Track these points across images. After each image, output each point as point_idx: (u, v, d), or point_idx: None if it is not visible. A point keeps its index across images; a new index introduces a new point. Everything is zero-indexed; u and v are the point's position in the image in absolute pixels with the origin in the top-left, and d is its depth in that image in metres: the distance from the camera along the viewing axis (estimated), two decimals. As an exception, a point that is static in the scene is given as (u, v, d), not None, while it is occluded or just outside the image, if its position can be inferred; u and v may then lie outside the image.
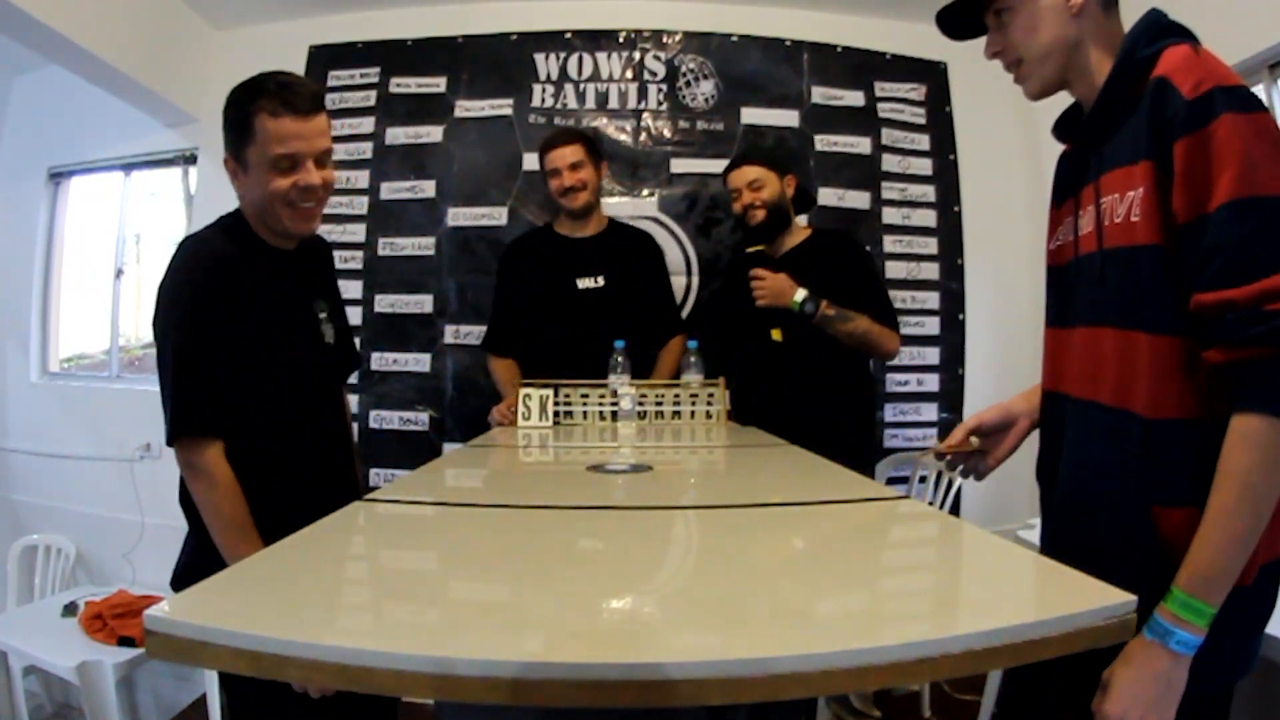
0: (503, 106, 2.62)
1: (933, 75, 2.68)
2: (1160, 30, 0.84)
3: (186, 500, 1.17)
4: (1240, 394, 0.72)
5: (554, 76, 2.64)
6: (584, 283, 2.03)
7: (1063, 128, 1.01)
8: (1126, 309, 0.83)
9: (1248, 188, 0.70)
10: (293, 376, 1.22)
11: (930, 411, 2.63)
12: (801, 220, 2.13)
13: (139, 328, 3.12)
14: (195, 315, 1.10)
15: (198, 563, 1.14)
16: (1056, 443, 0.96)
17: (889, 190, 2.64)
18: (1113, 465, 0.84)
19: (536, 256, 2.12)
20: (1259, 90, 2.04)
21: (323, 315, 1.34)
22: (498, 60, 2.64)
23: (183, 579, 1.19)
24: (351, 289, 2.60)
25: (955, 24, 1.02)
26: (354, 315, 2.59)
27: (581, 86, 2.64)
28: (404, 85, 2.66)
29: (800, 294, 1.82)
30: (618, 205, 2.53)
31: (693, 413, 1.87)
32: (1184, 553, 0.75)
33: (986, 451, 1.04)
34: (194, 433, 1.09)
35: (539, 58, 2.65)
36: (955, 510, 2.34)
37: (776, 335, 1.88)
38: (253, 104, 1.12)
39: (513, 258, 2.18)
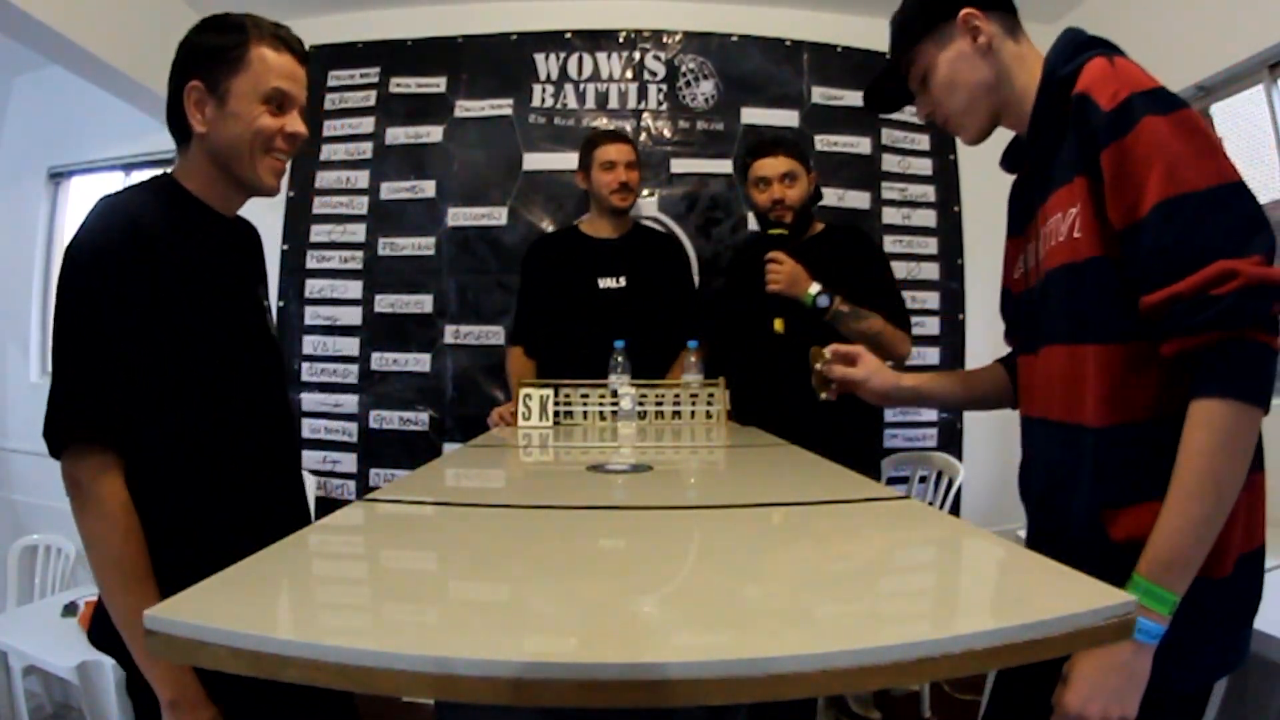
0: (503, 106, 2.62)
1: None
2: (1078, 46, 0.86)
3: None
4: (1197, 381, 0.72)
5: (554, 76, 2.64)
6: (605, 282, 2.02)
7: (1009, 159, 1.04)
8: (1074, 324, 0.84)
9: (1173, 186, 0.72)
10: (235, 369, 1.02)
11: (930, 411, 2.63)
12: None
13: (139, 328, 3.12)
14: (106, 290, 0.89)
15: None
16: (1030, 464, 0.98)
17: (889, 190, 2.65)
18: (1068, 476, 0.86)
19: (560, 255, 2.11)
20: (1259, 90, 2.05)
21: (266, 304, 1.15)
22: (498, 60, 2.65)
23: (101, 630, 0.95)
24: (351, 289, 2.60)
25: (883, 100, 1.08)
26: (354, 315, 2.60)
27: (581, 86, 2.64)
28: (404, 85, 2.66)
29: (815, 287, 1.79)
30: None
31: (693, 413, 1.87)
32: (1133, 552, 0.75)
33: (831, 381, 1.21)
34: (81, 439, 0.88)
35: (539, 58, 2.65)
36: (955, 510, 2.35)
37: (779, 326, 1.85)
38: (249, 34, 1.00)
39: (536, 255, 2.16)
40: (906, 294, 2.58)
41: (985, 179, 2.67)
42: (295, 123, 1.04)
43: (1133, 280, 0.76)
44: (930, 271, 2.65)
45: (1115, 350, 0.80)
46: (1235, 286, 0.68)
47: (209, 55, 1.00)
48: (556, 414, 1.80)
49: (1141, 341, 0.78)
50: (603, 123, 2.61)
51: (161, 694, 0.88)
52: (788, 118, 2.63)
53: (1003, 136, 1.10)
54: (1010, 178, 1.07)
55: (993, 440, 2.63)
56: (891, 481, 2.44)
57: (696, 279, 2.55)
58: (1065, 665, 0.77)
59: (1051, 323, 0.89)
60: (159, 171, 1.06)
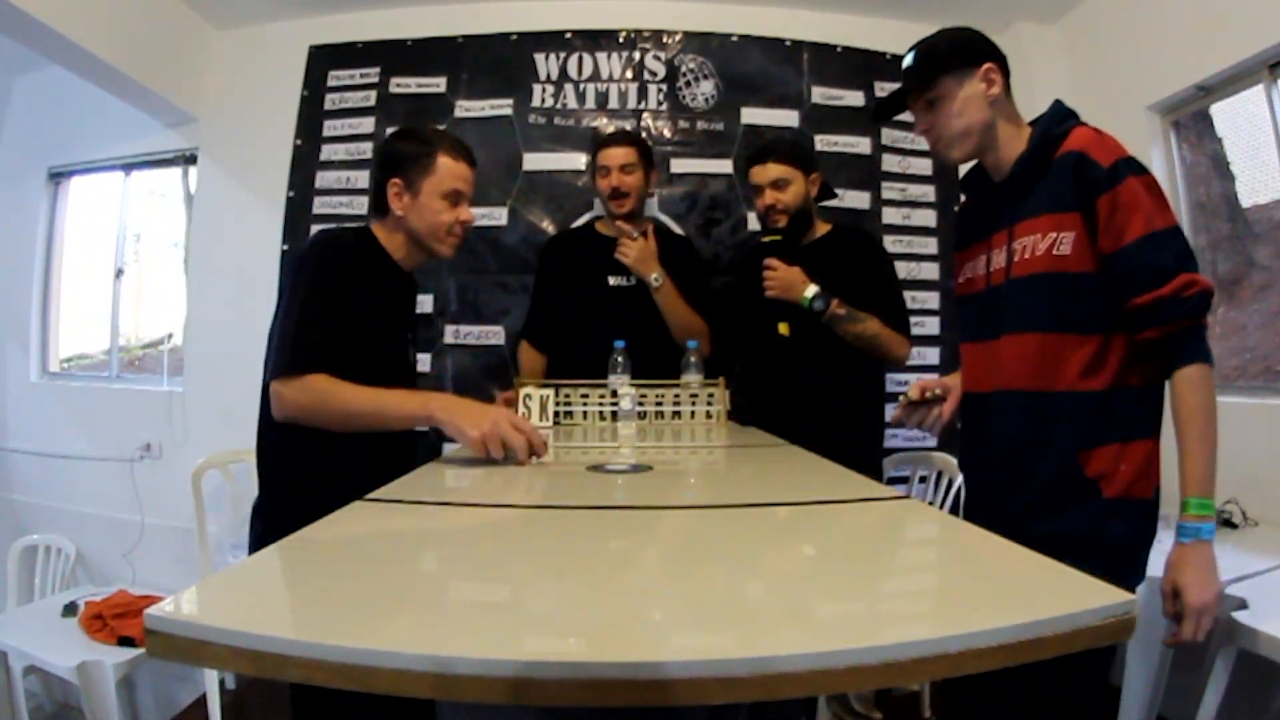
0: (503, 106, 2.62)
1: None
2: (1064, 116, 1.15)
3: (271, 457, 1.30)
4: (1176, 356, 1.03)
5: (554, 76, 2.64)
6: (615, 280, 2.03)
7: (967, 184, 1.30)
8: (1054, 317, 1.10)
9: (1150, 226, 1.02)
10: (381, 366, 1.32)
11: (930, 411, 2.62)
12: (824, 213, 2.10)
13: (139, 328, 3.12)
14: (327, 284, 1.25)
15: (271, 525, 1.24)
16: (982, 432, 1.22)
17: (889, 190, 2.65)
18: (1036, 432, 1.12)
19: (573, 252, 2.14)
20: (1259, 90, 2.05)
21: (410, 338, 1.49)
22: (498, 60, 2.64)
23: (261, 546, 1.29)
24: (351, 289, 2.60)
25: (886, 111, 1.31)
26: (354, 315, 2.60)
27: (581, 86, 2.64)
28: (404, 85, 2.66)
29: (811, 290, 1.79)
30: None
31: (693, 413, 1.87)
32: (1103, 483, 1.06)
33: (943, 399, 1.30)
34: (312, 369, 1.19)
35: (539, 58, 2.65)
36: (955, 510, 2.34)
37: (783, 329, 1.85)
38: (436, 145, 1.37)
39: (552, 251, 2.20)
40: (907, 294, 2.58)
41: (985, 179, 2.68)
42: (465, 212, 1.41)
43: (1118, 286, 1.05)
44: (930, 271, 2.65)
45: (1091, 339, 1.08)
46: (1196, 291, 1.00)
47: (408, 161, 1.36)
48: (556, 414, 1.80)
49: (1108, 334, 1.07)
50: (603, 123, 2.61)
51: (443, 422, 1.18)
52: (788, 118, 2.63)
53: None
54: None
55: (993, 440, 2.63)
56: (891, 481, 2.44)
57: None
58: (1164, 582, 1.02)
59: (1020, 315, 1.13)
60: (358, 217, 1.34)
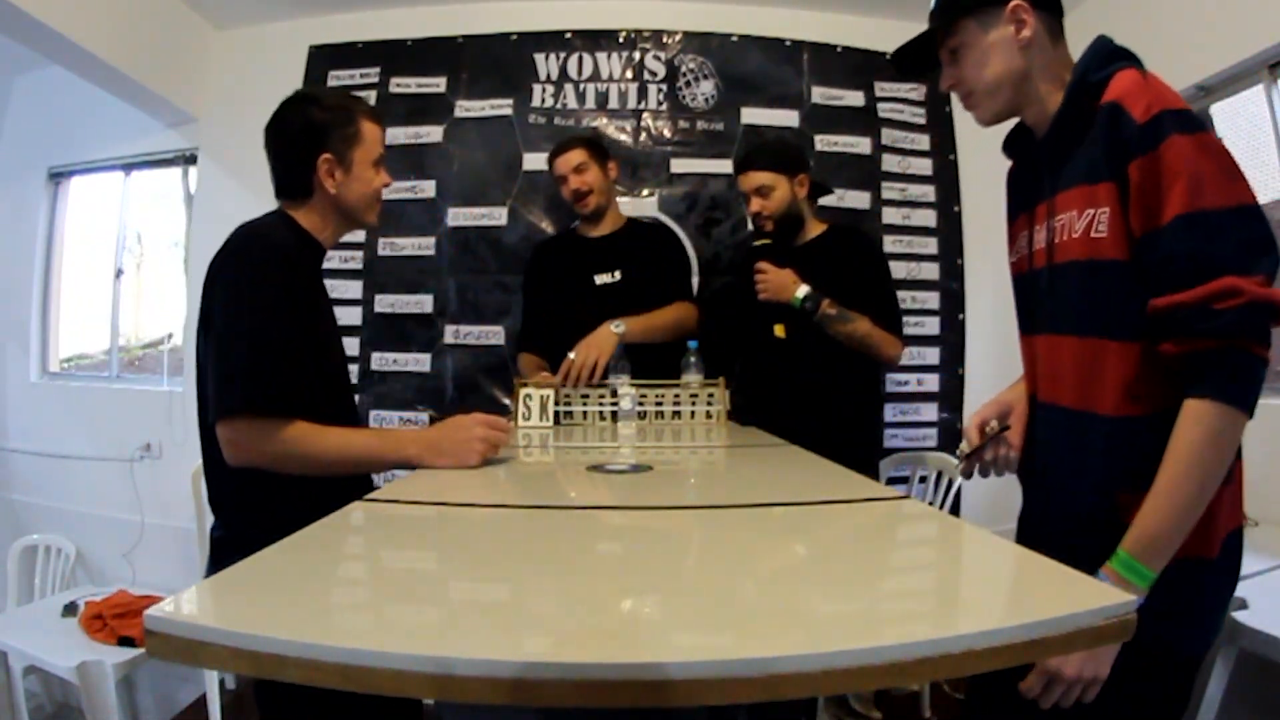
0: (503, 106, 2.62)
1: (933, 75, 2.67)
2: (1108, 55, 0.91)
3: (229, 488, 1.16)
4: (1192, 381, 0.79)
5: (554, 76, 2.64)
6: (601, 278, 2.05)
7: (1011, 145, 1.09)
8: (1091, 318, 0.89)
9: (1194, 202, 0.77)
10: (330, 376, 1.25)
11: (930, 411, 2.63)
12: (822, 209, 2.11)
13: (139, 328, 3.12)
14: (275, 301, 1.10)
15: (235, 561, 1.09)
16: (1031, 445, 1.03)
17: (889, 190, 2.64)
18: (1076, 459, 0.92)
19: (558, 257, 2.16)
20: (1259, 90, 2.05)
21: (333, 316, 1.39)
22: (498, 60, 2.64)
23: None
24: (351, 289, 2.60)
25: (909, 62, 1.09)
26: (354, 315, 2.60)
27: (581, 86, 2.64)
28: (404, 85, 2.66)
29: (802, 290, 1.80)
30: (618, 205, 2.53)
31: (693, 413, 1.87)
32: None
33: (1007, 427, 1.07)
34: (274, 412, 1.06)
35: (539, 58, 2.65)
36: (955, 510, 2.34)
37: (779, 331, 1.87)
38: (356, 110, 1.29)
39: (536, 260, 2.23)
40: (906, 294, 2.59)
41: (985, 179, 2.67)
42: (387, 176, 1.34)
43: (1148, 281, 0.82)
44: (930, 271, 2.64)
45: (1135, 348, 0.85)
46: (1237, 304, 0.74)
47: (333, 131, 1.26)
48: (556, 414, 1.80)
49: (1152, 343, 0.83)
50: (603, 123, 2.61)
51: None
52: (788, 118, 2.63)
53: (1003, 139, 1.12)
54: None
55: (993, 440, 2.62)
56: (891, 481, 2.44)
57: (697, 278, 2.55)
58: None
59: (1059, 313, 0.94)
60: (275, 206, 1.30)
